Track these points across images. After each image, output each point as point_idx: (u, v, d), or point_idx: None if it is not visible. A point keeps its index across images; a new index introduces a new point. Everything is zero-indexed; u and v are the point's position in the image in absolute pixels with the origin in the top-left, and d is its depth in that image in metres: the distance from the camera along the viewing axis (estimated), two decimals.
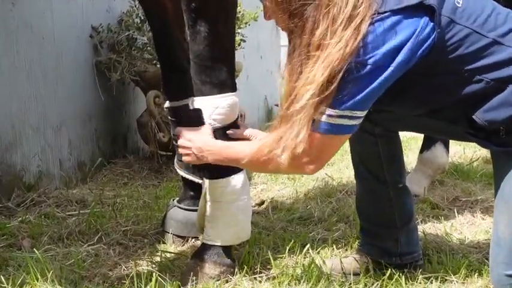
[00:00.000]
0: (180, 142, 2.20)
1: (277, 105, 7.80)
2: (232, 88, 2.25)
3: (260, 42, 7.20)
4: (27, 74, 3.44)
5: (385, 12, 1.74)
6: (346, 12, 1.73)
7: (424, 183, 3.45)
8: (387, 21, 1.74)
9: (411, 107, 1.97)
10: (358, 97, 1.77)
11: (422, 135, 3.61)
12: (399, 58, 1.74)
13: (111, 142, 4.33)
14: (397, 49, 1.74)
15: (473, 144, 3.64)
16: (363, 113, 1.82)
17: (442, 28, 1.77)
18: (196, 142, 2.13)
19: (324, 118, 1.79)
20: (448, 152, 3.62)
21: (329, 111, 1.78)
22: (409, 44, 1.74)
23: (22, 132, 3.40)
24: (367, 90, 1.76)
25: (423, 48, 1.76)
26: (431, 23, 1.76)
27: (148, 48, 4.25)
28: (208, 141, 2.13)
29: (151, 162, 4.22)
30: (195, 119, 2.23)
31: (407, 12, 1.75)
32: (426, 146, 3.55)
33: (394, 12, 1.74)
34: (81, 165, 3.95)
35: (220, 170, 2.25)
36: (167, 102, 2.73)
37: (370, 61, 1.73)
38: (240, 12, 4.70)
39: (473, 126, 1.88)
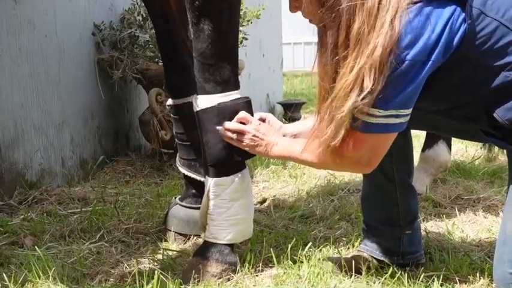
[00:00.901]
0: (252, 132, 2.16)
1: (279, 103, 7.82)
2: (236, 86, 2.25)
3: (262, 40, 7.20)
4: (29, 71, 3.45)
5: (418, 2, 1.72)
6: (381, 3, 1.70)
7: (426, 182, 3.45)
8: (422, 12, 1.71)
9: (434, 101, 1.94)
10: (401, 96, 1.75)
11: (424, 134, 3.60)
12: (436, 51, 1.72)
13: (113, 140, 4.34)
14: (434, 42, 1.72)
15: (476, 142, 3.65)
16: (408, 111, 1.80)
17: (472, 20, 1.74)
18: (270, 138, 2.14)
19: (369, 119, 1.78)
20: (451, 150, 3.62)
21: (373, 111, 1.76)
22: (444, 36, 1.72)
23: (24, 129, 3.40)
24: (410, 88, 1.75)
25: (457, 38, 1.74)
26: (463, 14, 1.74)
27: (151, 45, 4.26)
28: (279, 139, 2.14)
29: (154, 160, 4.22)
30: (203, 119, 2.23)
31: (440, 2, 1.73)
32: (428, 144, 3.55)
33: (428, 2, 1.72)
34: (83, 163, 3.95)
35: (224, 169, 2.25)
36: (170, 99, 2.74)
37: (409, 57, 1.71)
38: (242, 10, 4.69)
39: (492, 125, 1.86)
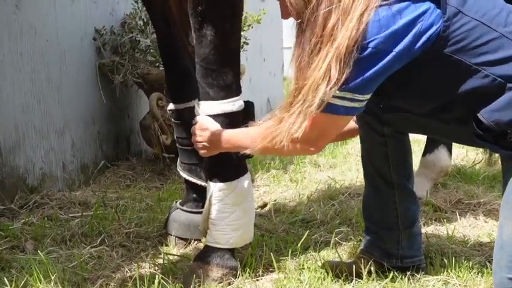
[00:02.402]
0: (193, 139, 2.24)
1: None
2: (238, 91, 2.26)
3: (263, 45, 7.20)
4: (30, 76, 3.46)
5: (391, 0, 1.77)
6: (354, 1, 1.76)
7: (427, 186, 3.45)
8: (392, 8, 1.77)
9: (416, 100, 1.96)
10: (359, 79, 1.79)
11: (425, 138, 3.61)
12: (402, 43, 1.77)
13: (114, 144, 4.34)
14: (400, 34, 1.76)
15: (474, 147, 3.65)
16: (364, 97, 1.84)
17: (449, 18, 1.78)
18: (207, 134, 2.18)
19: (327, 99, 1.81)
20: (451, 155, 3.61)
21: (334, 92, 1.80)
22: (413, 30, 1.76)
23: (25, 134, 3.41)
24: (369, 73, 1.79)
25: (427, 35, 1.78)
26: (437, 10, 1.78)
27: (152, 50, 4.26)
28: (217, 131, 2.17)
29: (154, 164, 4.22)
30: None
31: (413, 0, 1.78)
32: (429, 148, 3.55)
33: (399, 0, 1.77)
34: (84, 167, 3.95)
35: (227, 174, 2.26)
36: (171, 104, 2.75)
37: (371, 44, 1.76)
38: (243, 15, 4.70)
39: (480, 128, 1.87)
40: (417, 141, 4.14)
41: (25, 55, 3.41)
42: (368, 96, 1.85)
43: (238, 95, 2.26)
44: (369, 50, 1.76)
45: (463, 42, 1.80)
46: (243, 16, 4.87)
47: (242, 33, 4.71)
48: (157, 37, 2.89)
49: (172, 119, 2.80)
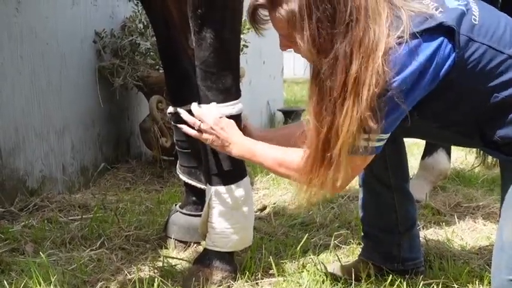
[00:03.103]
0: (209, 123, 2.15)
1: (280, 110, 7.83)
2: (237, 95, 2.26)
3: (262, 48, 7.20)
4: (30, 78, 3.46)
5: (405, 37, 1.73)
6: (375, 41, 1.71)
7: (426, 189, 3.45)
8: (409, 45, 1.73)
9: (426, 120, 1.96)
10: (388, 122, 1.77)
11: (424, 141, 3.61)
12: (421, 81, 1.76)
13: (114, 147, 4.35)
14: (420, 71, 1.75)
15: (475, 150, 3.66)
16: (388, 135, 1.83)
17: (461, 48, 1.77)
18: (228, 133, 2.12)
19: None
20: (450, 158, 3.62)
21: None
22: (432, 65, 1.75)
23: (25, 137, 3.41)
24: (393, 115, 1.77)
25: (444, 68, 1.77)
26: (450, 44, 1.77)
27: (151, 53, 4.27)
28: (240, 137, 2.12)
29: (154, 167, 4.23)
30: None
31: (428, 34, 1.75)
32: (428, 152, 3.56)
33: (415, 36, 1.74)
34: (84, 170, 3.96)
35: (226, 177, 2.26)
36: (170, 107, 2.75)
37: (394, 85, 1.73)
38: (243, 18, 4.71)
39: (485, 141, 1.89)
40: (416, 144, 4.15)
41: (25, 58, 3.42)
42: (391, 133, 1.84)
43: (238, 98, 2.26)
44: (391, 91, 1.73)
45: (475, 69, 1.80)
46: (243, 19, 4.90)
47: (242, 36, 4.74)
48: (156, 40, 2.89)
49: (172, 122, 2.80)
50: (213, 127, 2.13)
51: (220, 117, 2.16)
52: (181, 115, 2.24)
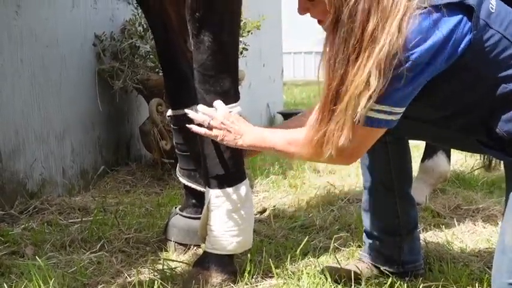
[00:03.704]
0: (220, 118, 2.15)
1: (280, 112, 7.83)
2: (236, 97, 2.26)
3: (262, 50, 7.21)
4: (30, 81, 3.46)
5: (427, 7, 1.73)
6: (393, 4, 1.72)
7: (426, 192, 3.45)
8: (430, 17, 1.73)
9: (431, 107, 1.95)
10: (400, 93, 1.77)
11: (424, 144, 3.61)
12: (440, 55, 1.75)
13: (114, 150, 4.35)
14: (439, 46, 1.74)
15: (474, 153, 3.65)
16: (401, 110, 1.82)
17: (478, 30, 1.77)
18: (239, 125, 2.13)
19: (365, 112, 1.78)
20: (450, 161, 3.62)
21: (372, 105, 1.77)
22: (451, 40, 1.74)
23: (25, 139, 3.41)
24: (409, 87, 1.77)
25: (461, 46, 1.76)
26: (469, 23, 1.76)
27: (151, 56, 4.27)
28: (249, 126, 2.13)
29: (154, 170, 4.23)
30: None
31: (449, 9, 1.75)
32: (428, 154, 3.56)
33: (436, 8, 1.74)
34: (84, 172, 3.96)
35: (225, 180, 2.26)
36: (170, 110, 2.75)
37: (413, 57, 1.72)
38: (242, 21, 4.72)
39: (490, 136, 1.88)
40: (416, 147, 4.14)
41: (25, 60, 3.42)
42: (404, 109, 1.83)
43: (237, 101, 2.26)
44: (410, 62, 1.72)
45: (489, 56, 1.79)
46: (243, 22, 4.90)
47: (242, 39, 4.76)
48: (155, 43, 2.89)
49: (172, 125, 2.80)
50: (223, 122, 2.14)
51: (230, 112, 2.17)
52: (189, 115, 2.24)
